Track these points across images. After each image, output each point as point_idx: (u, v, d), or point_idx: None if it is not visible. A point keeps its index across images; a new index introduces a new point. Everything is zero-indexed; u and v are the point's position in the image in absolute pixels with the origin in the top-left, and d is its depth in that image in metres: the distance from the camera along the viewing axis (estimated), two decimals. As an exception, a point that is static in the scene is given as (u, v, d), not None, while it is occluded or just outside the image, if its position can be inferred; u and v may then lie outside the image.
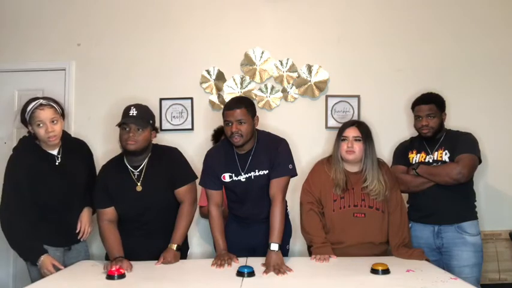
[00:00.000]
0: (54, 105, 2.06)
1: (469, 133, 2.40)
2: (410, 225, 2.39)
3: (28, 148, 2.09)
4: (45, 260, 1.99)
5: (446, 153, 2.32)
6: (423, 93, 2.45)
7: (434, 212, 2.30)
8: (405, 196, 2.50)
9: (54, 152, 2.12)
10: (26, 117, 2.02)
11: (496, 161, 2.98)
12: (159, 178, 2.13)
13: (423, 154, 2.38)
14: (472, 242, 2.26)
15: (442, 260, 2.28)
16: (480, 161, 2.35)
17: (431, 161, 2.35)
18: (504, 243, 2.87)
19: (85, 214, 2.19)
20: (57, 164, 2.10)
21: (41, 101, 2.03)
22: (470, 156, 2.27)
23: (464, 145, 2.31)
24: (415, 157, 2.41)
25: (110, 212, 2.11)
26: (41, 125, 2.00)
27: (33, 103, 2.01)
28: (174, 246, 2.07)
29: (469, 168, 2.25)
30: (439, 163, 2.32)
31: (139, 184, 2.11)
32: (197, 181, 2.25)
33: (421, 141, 2.43)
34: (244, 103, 2.07)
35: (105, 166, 2.21)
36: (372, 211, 2.09)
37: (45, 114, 2.00)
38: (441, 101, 2.40)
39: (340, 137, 2.15)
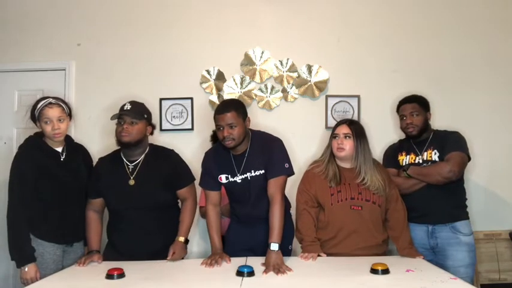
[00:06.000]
0: (63, 105, 2.16)
1: (456, 132, 2.40)
2: None
3: (34, 144, 2.15)
4: (31, 268, 2.01)
5: (435, 153, 2.32)
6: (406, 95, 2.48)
7: (428, 212, 2.30)
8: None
9: (59, 149, 2.18)
10: (35, 114, 2.11)
11: (496, 161, 2.98)
12: (154, 175, 2.14)
13: (412, 155, 2.38)
14: (467, 241, 2.27)
15: (436, 260, 2.27)
16: (469, 158, 2.35)
17: (421, 161, 2.35)
18: (504, 243, 2.87)
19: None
20: (61, 160, 2.16)
21: (51, 99, 2.13)
22: (459, 154, 2.28)
23: (453, 143, 2.32)
24: (404, 159, 2.41)
25: (96, 203, 2.19)
26: (48, 122, 2.09)
27: (43, 101, 2.12)
28: (182, 239, 2.11)
29: (459, 165, 2.26)
30: (429, 163, 2.32)
31: (132, 178, 2.13)
32: (196, 181, 2.26)
33: (409, 143, 2.43)
34: (234, 106, 2.06)
35: (102, 158, 2.26)
36: (368, 204, 2.10)
37: (53, 112, 2.10)
38: (424, 101, 2.42)
39: (332, 134, 2.20)
